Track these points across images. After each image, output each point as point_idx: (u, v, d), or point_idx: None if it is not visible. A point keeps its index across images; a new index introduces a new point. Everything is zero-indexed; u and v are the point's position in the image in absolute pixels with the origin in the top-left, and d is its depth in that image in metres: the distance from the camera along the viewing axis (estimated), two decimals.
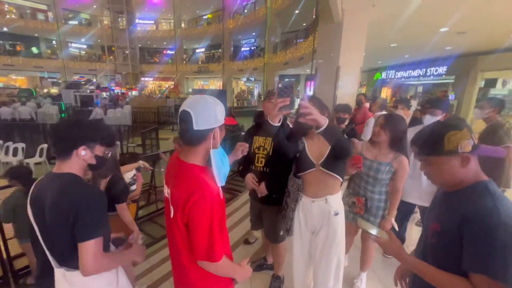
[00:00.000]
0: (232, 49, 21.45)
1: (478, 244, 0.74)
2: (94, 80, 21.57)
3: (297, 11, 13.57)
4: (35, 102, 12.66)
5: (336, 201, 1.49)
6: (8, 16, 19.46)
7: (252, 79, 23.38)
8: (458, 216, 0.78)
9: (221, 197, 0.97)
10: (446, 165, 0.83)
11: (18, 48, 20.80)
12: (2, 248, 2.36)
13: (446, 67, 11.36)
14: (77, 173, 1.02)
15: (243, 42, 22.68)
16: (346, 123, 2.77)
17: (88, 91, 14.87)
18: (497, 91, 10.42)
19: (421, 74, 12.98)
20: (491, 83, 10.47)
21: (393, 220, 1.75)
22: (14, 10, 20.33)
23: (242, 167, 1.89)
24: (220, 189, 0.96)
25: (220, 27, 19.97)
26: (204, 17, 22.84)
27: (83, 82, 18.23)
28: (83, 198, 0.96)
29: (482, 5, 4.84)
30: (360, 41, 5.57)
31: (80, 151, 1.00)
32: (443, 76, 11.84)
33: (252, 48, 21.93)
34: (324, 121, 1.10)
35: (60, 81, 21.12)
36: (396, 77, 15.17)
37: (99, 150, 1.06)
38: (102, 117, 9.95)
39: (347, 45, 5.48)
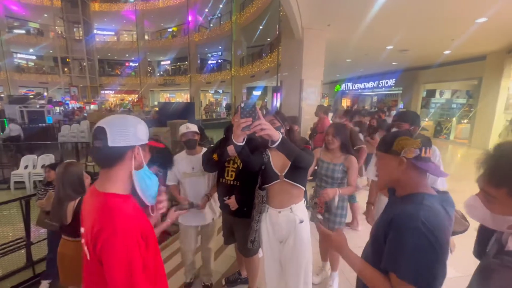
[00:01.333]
0: (198, 61, 21.39)
1: (393, 244, 0.81)
2: (45, 93, 19.61)
3: (261, 27, 14.19)
4: None
5: (300, 210, 1.57)
6: None
7: (220, 91, 23.45)
8: (388, 219, 0.85)
9: (149, 227, 0.85)
10: (388, 162, 0.92)
11: None
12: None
13: (394, 79, 12.79)
14: None
15: (210, 55, 22.79)
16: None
17: (38, 106, 13.44)
18: (437, 100, 12.00)
19: (375, 86, 14.39)
20: (431, 93, 12.03)
21: (330, 194, 1.77)
22: None
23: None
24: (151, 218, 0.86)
25: (186, 40, 19.87)
26: (169, 30, 22.54)
27: (31, 96, 16.42)
28: None
29: (418, 27, 5.63)
30: (320, 56, 6.02)
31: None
32: (393, 87, 13.27)
33: (219, 61, 22.14)
34: (277, 136, 1.12)
35: (2, 95, 18.79)
36: (353, 88, 16.58)
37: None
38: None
39: (308, 60, 5.88)
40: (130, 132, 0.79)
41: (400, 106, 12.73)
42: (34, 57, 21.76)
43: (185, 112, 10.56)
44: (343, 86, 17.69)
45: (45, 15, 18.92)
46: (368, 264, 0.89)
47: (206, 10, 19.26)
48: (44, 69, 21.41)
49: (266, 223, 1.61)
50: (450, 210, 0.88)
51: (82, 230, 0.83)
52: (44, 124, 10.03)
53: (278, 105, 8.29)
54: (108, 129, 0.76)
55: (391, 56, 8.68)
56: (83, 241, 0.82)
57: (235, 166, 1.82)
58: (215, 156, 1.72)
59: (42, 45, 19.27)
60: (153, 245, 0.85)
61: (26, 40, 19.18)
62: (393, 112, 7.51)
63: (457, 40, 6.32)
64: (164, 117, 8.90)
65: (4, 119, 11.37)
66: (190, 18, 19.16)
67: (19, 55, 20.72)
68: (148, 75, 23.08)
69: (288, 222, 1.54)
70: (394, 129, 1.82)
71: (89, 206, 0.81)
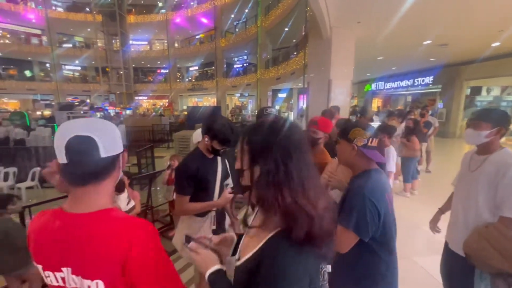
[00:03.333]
0: (225, 66, 21.91)
1: (345, 205, 1.09)
2: (88, 101, 21.55)
3: (286, 29, 14.12)
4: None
5: None
6: (1, 41, 19.64)
7: (246, 94, 23.75)
8: (346, 190, 1.18)
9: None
10: (344, 147, 1.20)
11: (11, 72, 20.83)
12: None
13: (432, 77, 11.82)
14: None
15: (236, 59, 23.24)
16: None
17: (82, 112, 14.79)
18: (483, 97, 10.84)
19: (409, 84, 13.44)
20: (477, 90, 10.90)
21: None
22: (8, 35, 20.56)
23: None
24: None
25: (213, 46, 20.51)
26: (196, 37, 23.48)
27: (77, 103, 18.15)
28: None
29: (460, 19, 5.14)
30: (349, 55, 5.80)
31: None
32: (430, 85, 12.28)
33: (245, 64, 22.46)
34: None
35: (53, 103, 21.04)
36: (385, 88, 15.66)
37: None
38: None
39: (337, 60, 5.69)
40: (117, 136, 0.69)
41: (439, 105, 11.73)
42: (79, 68, 24.08)
43: (212, 115, 10.83)
44: (373, 86, 16.81)
45: (89, 29, 20.85)
46: None
47: (232, 16, 19.70)
48: (87, 78, 23.58)
49: None
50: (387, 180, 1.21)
51: (55, 275, 0.65)
52: None
53: (304, 106, 8.13)
54: (97, 138, 0.63)
55: (428, 52, 8.04)
56: (57, 283, 0.65)
57: None
58: None
59: (86, 57, 21.29)
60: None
61: (72, 53, 21.30)
62: (430, 112, 6.95)
63: (507, 31, 5.66)
64: (192, 121, 9.22)
65: (55, 125, 12.70)
66: (216, 24, 19.76)
67: (67, 67, 23.08)
68: (178, 80, 24.21)
69: None
70: (466, 133, 1.51)
71: (69, 240, 0.63)
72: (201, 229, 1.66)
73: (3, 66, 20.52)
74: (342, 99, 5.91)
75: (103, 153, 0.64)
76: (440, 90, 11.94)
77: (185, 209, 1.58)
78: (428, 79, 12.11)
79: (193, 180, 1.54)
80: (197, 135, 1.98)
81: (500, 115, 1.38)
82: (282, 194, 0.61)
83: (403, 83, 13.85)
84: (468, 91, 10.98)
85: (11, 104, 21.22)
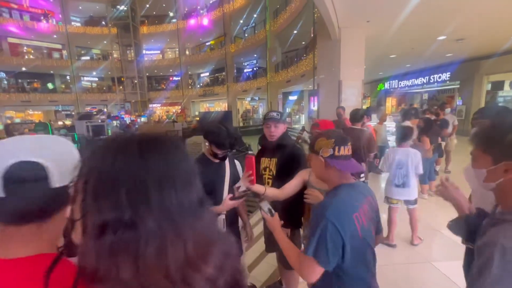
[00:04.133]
0: (235, 71, 22.16)
1: (310, 229, 1.00)
2: (105, 110, 22.46)
3: (295, 31, 14.11)
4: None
5: None
6: (26, 57, 20.95)
7: (256, 98, 23.84)
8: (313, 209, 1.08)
9: None
10: (314, 161, 1.08)
11: (35, 85, 22.11)
12: None
13: (449, 73, 11.37)
14: None
15: (245, 64, 23.45)
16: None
17: (100, 121, 15.43)
18: (506, 92, 10.26)
19: (425, 81, 12.99)
20: (498, 85, 10.34)
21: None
22: (32, 51, 21.91)
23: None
24: None
25: (223, 52, 20.83)
26: (207, 44, 23.96)
27: (95, 113, 18.98)
28: None
29: (477, 11, 4.93)
30: (359, 55, 5.71)
31: None
32: (447, 82, 11.81)
33: (255, 68, 22.61)
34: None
35: (73, 113, 22.08)
36: (399, 86, 15.22)
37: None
38: None
39: (346, 60, 5.62)
40: (75, 157, 0.52)
41: (458, 102, 11.23)
42: (96, 79, 25.18)
43: (224, 120, 10.98)
44: (386, 85, 16.39)
45: (105, 41, 21.82)
46: (291, 244, 1.10)
47: (241, 22, 19.96)
48: (104, 88, 24.60)
49: None
50: (365, 192, 1.09)
51: None
52: (103, 136, 11.44)
53: (315, 108, 8.05)
54: (47, 162, 0.47)
55: (444, 48, 7.76)
56: None
57: (271, 174, 1.79)
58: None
59: (102, 68, 22.28)
60: None
61: (90, 65, 22.32)
62: (448, 110, 6.65)
63: None
64: (204, 126, 9.37)
65: (75, 134, 13.32)
66: (226, 30, 20.09)
67: (85, 78, 24.22)
68: (189, 87, 24.72)
69: None
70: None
71: None
72: None
73: (28, 80, 21.82)
74: (353, 99, 5.82)
75: (55, 183, 0.48)
76: (458, 86, 11.45)
77: None
78: (445, 76, 11.66)
79: None
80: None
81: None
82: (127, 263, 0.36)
83: (418, 81, 13.41)
84: (489, 86, 10.45)
85: (36, 115, 22.45)
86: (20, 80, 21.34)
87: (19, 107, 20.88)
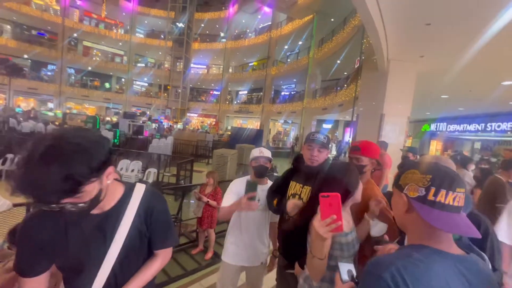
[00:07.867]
0: (272, 92, 22.63)
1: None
2: (148, 112, 24.31)
3: (338, 61, 14.04)
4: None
5: None
6: (94, 58, 24.18)
7: (289, 121, 23.82)
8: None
9: None
10: (395, 199, 0.77)
11: (95, 83, 25.10)
12: None
13: (511, 123, 10.10)
14: None
15: (284, 87, 23.87)
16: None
17: (141, 122, 16.62)
18: None
19: (480, 129, 11.70)
20: None
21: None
22: (100, 54, 25.22)
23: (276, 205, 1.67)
24: None
25: (264, 73, 21.55)
26: (250, 64, 25.09)
27: (138, 114, 20.60)
28: None
29: None
30: (407, 91, 5.35)
31: None
32: (508, 133, 10.46)
33: (292, 92, 22.84)
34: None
35: (120, 111, 24.30)
36: (448, 129, 13.93)
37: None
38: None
39: (392, 94, 5.29)
40: None
41: None
42: (146, 84, 27.79)
43: (254, 138, 10.97)
44: (432, 126, 15.14)
45: (160, 52, 24.21)
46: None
47: (286, 47, 20.63)
48: (151, 93, 26.92)
49: None
50: (470, 278, 0.63)
51: None
52: (141, 136, 12.18)
53: (350, 140, 7.63)
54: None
55: (507, 94, 6.94)
56: None
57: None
58: (275, 201, 1.56)
59: (152, 75, 24.72)
60: None
61: (143, 71, 24.93)
62: None
63: None
64: (234, 141, 9.44)
65: (117, 130, 14.43)
66: (270, 54, 20.92)
67: (137, 82, 26.85)
68: (227, 102, 25.77)
69: None
70: None
71: None
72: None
73: (91, 78, 24.87)
74: (393, 136, 5.36)
75: None
76: None
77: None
78: (506, 125, 10.37)
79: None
80: (256, 151, 1.84)
81: None
82: None
83: (472, 127, 12.13)
84: None
85: (90, 109, 25.15)
86: (84, 77, 24.43)
87: (79, 100, 23.71)
